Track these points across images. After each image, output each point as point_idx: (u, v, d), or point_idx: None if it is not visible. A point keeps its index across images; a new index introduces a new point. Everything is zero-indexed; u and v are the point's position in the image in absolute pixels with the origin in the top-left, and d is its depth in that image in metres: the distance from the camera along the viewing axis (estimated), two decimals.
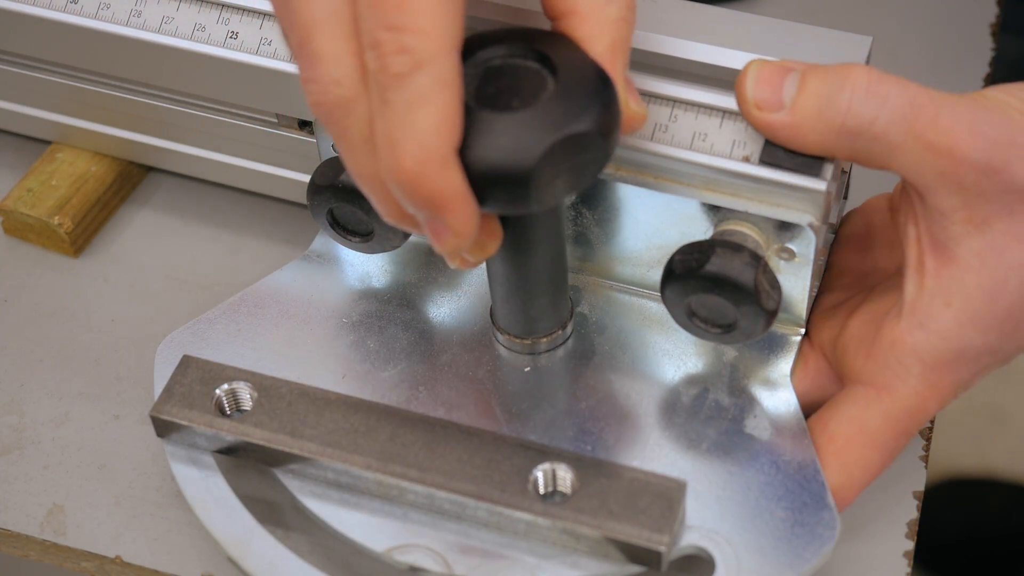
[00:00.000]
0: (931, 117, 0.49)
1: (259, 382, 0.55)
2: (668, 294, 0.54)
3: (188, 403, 0.54)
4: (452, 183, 0.45)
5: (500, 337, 0.57)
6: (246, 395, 0.55)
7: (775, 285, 0.53)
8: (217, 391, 0.55)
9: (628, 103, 0.49)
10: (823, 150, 0.51)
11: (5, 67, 0.65)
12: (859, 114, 0.49)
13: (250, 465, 0.56)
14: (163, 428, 0.55)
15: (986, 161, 0.48)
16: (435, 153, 0.44)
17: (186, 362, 0.56)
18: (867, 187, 0.65)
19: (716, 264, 0.52)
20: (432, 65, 0.44)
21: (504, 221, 0.51)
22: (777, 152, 0.52)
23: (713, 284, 0.52)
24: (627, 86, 0.49)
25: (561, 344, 0.58)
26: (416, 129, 0.44)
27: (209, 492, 0.54)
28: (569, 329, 0.58)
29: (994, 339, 0.51)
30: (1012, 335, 0.51)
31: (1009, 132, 0.49)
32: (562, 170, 0.47)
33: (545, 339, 0.57)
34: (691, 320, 0.55)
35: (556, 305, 0.56)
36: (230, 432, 0.54)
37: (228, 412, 0.55)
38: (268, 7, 0.58)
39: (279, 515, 0.56)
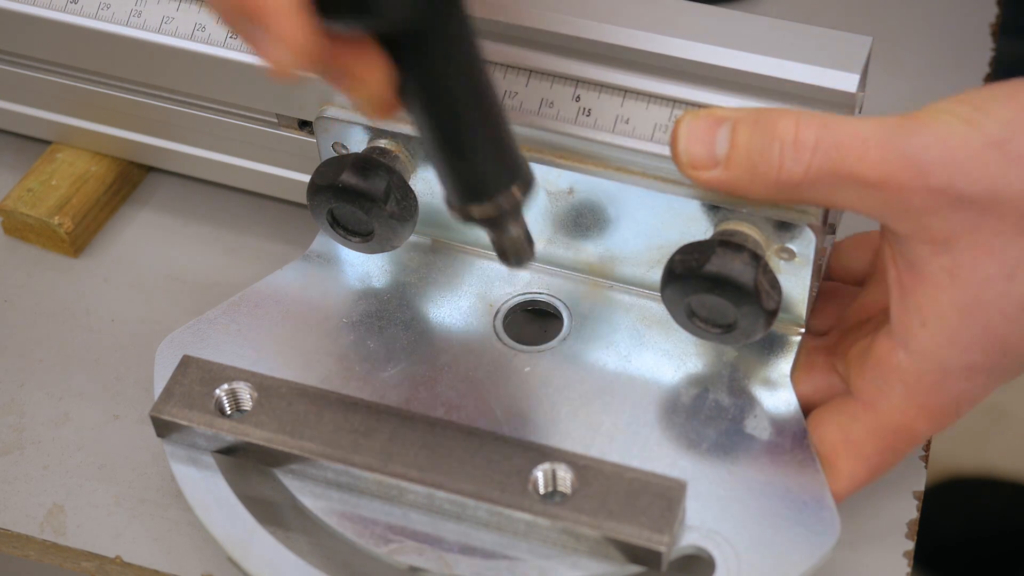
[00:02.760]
0: (858, 155, 0.48)
1: (259, 382, 0.55)
2: (668, 294, 0.54)
3: (188, 403, 0.54)
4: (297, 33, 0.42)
5: (454, 214, 0.50)
6: (246, 395, 0.55)
7: (775, 285, 0.53)
8: (217, 391, 0.55)
9: None
10: (767, 201, 0.52)
11: (5, 67, 0.65)
12: (791, 169, 0.49)
13: (250, 465, 0.56)
14: (163, 428, 0.55)
15: (925, 185, 0.48)
16: None
17: (186, 362, 0.56)
18: None
19: (716, 264, 0.52)
20: None
21: (406, 62, 0.47)
22: None
23: (713, 284, 0.52)
24: None
25: (520, 209, 0.50)
26: None
27: (209, 492, 0.54)
28: (529, 193, 0.50)
29: (978, 356, 0.50)
30: (1000, 351, 0.50)
31: (944, 151, 0.48)
32: None
33: (501, 200, 0.49)
34: (691, 320, 0.55)
35: (496, 156, 0.49)
36: (230, 432, 0.54)
37: (228, 412, 0.55)
38: None
39: (279, 515, 0.56)
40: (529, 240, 0.51)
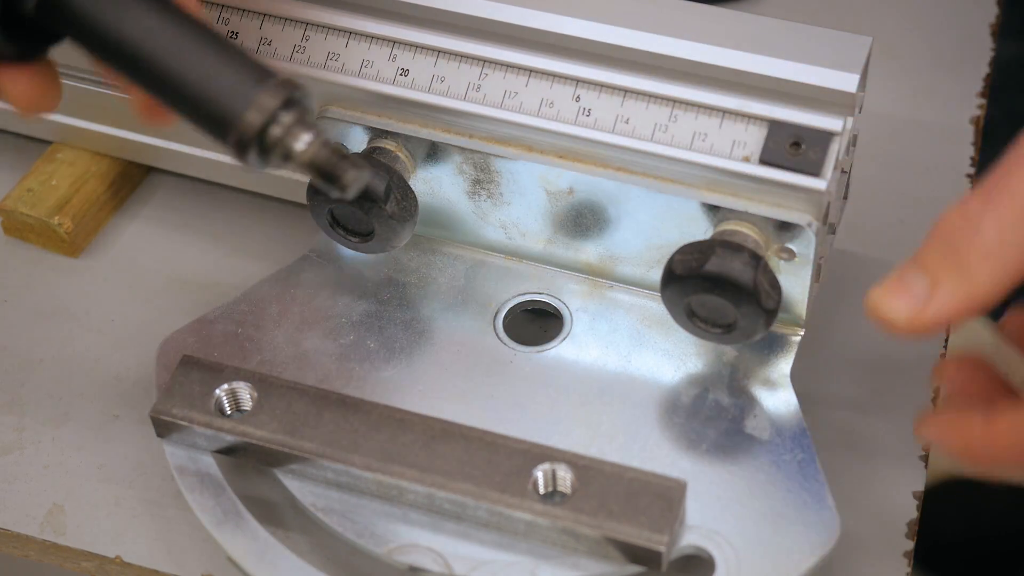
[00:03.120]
0: None
1: (259, 382, 0.55)
2: (668, 294, 0.54)
3: (188, 403, 0.54)
4: None
5: (233, 152, 0.46)
6: (246, 395, 0.55)
7: (775, 285, 0.53)
8: (217, 391, 0.55)
9: None
10: None
11: None
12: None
13: (250, 465, 0.56)
14: (163, 428, 0.55)
15: None
16: None
17: (186, 362, 0.56)
18: (867, 188, 0.65)
19: (716, 264, 0.52)
20: None
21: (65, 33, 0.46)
22: (777, 152, 0.52)
23: (713, 284, 0.52)
24: None
25: (294, 113, 0.46)
26: None
27: (209, 492, 0.54)
28: (288, 92, 0.46)
29: None
30: None
31: None
32: None
33: (256, 110, 0.45)
34: (691, 320, 0.55)
35: (224, 72, 0.45)
36: (230, 432, 0.54)
37: (228, 412, 0.55)
38: (268, 7, 0.58)
39: (279, 515, 0.56)
40: (344, 156, 0.46)
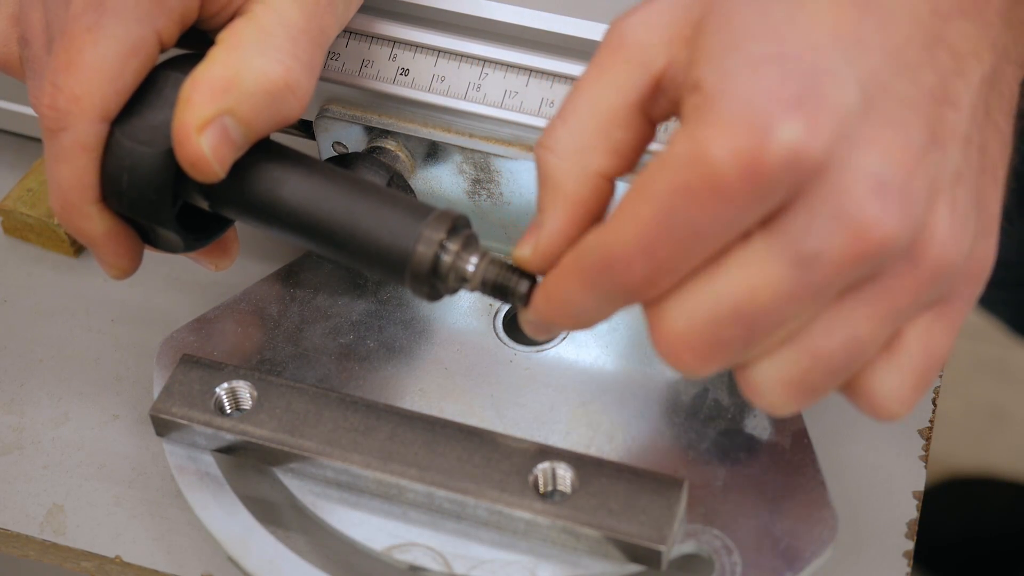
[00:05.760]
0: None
1: (259, 381, 0.55)
2: None
3: (188, 402, 0.54)
4: (92, 230, 0.51)
5: (414, 287, 0.48)
6: (246, 395, 0.55)
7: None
8: (217, 390, 0.55)
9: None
10: None
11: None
12: None
13: (250, 465, 0.56)
14: (163, 427, 0.55)
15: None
16: (72, 205, 0.50)
17: (186, 361, 0.56)
18: None
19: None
20: (74, 129, 0.49)
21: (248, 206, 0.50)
22: None
23: None
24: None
25: (460, 240, 0.48)
26: (56, 181, 0.50)
27: (209, 492, 0.54)
28: (451, 224, 0.48)
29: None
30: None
31: None
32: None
33: (424, 246, 0.47)
34: None
35: (388, 221, 0.48)
36: (230, 431, 0.54)
37: (228, 411, 0.55)
38: None
39: (279, 515, 0.56)
40: (514, 269, 0.47)
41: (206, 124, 0.48)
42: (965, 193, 0.42)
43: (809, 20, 0.40)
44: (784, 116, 0.39)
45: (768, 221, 0.40)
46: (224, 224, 0.54)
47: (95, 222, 0.51)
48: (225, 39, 0.49)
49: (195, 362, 0.55)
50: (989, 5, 0.44)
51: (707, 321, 0.42)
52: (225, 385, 0.55)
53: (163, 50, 0.51)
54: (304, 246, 0.51)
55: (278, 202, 0.49)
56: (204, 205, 0.51)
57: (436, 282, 0.48)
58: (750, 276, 0.41)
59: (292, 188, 0.49)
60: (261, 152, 0.50)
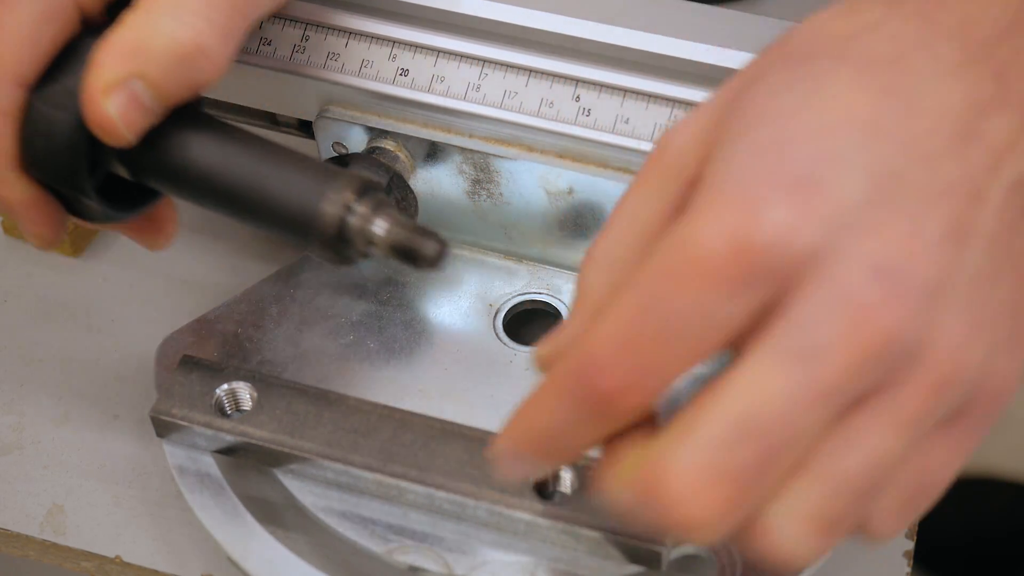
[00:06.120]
0: None
1: (259, 382, 0.55)
2: None
3: (188, 403, 0.54)
4: (12, 196, 0.50)
5: (319, 251, 0.48)
6: (246, 395, 0.55)
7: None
8: (217, 391, 0.55)
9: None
10: None
11: None
12: None
13: (250, 465, 0.56)
14: (163, 428, 0.55)
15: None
16: None
17: (186, 362, 0.56)
18: None
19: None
20: None
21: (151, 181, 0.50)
22: None
23: None
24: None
25: (369, 204, 0.47)
26: None
27: (209, 492, 0.54)
28: (360, 188, 0.47)
29: None
30: None
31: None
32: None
33: (329, 207, 0.46)
34: None
35: (294, 182, 0.48)
36: (230, 432, 0.54)
37: (228, 412, 0.55)
38: None
39: (279, 515, 0.56)
40: (423, 231, 0.46)
41: (113, 87, 0.47)
42: (986, 298, 0.38)
43: (824, 103, 0.38)
44: (776, 199, 0.36)
45: (765, 321, 0.37)
46: (150, 196, 0.53)
47: (15, 189, 0.50)
48: (141, 2, 0.48)
49: (195, 363, 0.55)
50: None
51: (717, 445, 0.37)
52: (225, 386, 0.55)
53: (87, 17, 0.50)
54: (221, 214, 0.50)
55: (191, 168, 0.48)
56: (124, 173, 0.50)
57: (344, 246, 0.47)
58: (754, 382, 0.37)
59: (205, 153, 0.48)
60: (180, 119, 0.49)
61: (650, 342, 0.37)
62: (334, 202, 0.46)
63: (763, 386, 0.36)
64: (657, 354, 0.37)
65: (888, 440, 0.37)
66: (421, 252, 0.46)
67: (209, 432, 0.54)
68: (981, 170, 0.39)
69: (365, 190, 0.47)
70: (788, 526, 0.38)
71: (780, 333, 0.37)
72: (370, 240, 0.46)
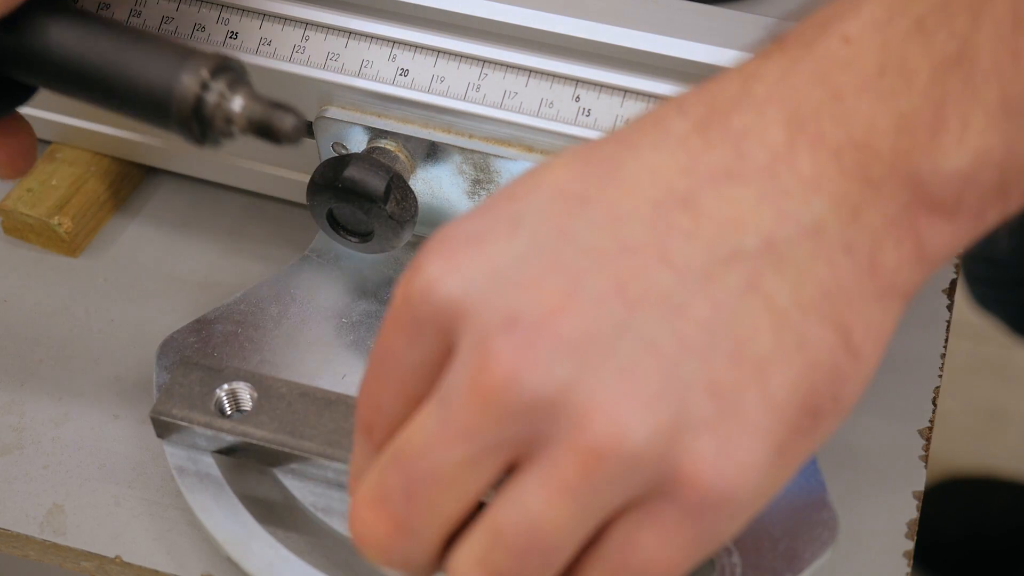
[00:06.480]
0: None
1: (259, 382, 0.55)
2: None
3: (188, 404, 0.54)
4: None
5: (179, 130, 0.48)
6: (246, 395, 0.55)
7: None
8: (217, 391, 0.55)
9: None
10: None
11: None
12: None
13: (250, 465, 0.56)
14: (163, 429, 0.55)
15: None
16: None
17: (186, 362, 0.56)
18: None
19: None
20: None
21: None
22: None
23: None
24: None
25: (224, 80, 0.47)
26: None
27: (209, 492, 0.54)
28: (216, 64, 0.47)
29: None
30: None
31: None
32: None
33: (188, 80, 0.47)
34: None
35: (150, 59, 0.48)
36: (230, 432, 0.54)
37: (228, 412, 0.55)
38: (268, 7, 0.58)
39: (279, 515, 0.56)
40: (280, 106, 0.46)
41: None
42: (667, 367, 0.36)
43: (538, 171, 0.39)
44: (435, 253, 0.38)
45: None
46: (7, 99, 0.52)
47: None
48: None
49: (195, 364, 0.55)
50: (794, 172, 0.38)
51: (375, 472, 0.40)
52: (225, 386, 0.55)
53: None
54: (83, 100, 0.50)
55: (49, 51, 0.48)
56: None
57: (203, 125, 0.47)
58: (412, 420, 0.39)
59: (63, 36, 0.48)
60: (38, 4, 0.49)
61: (376, 382, 0.41)
62: (190, 80, 0.46)
63: (415, 423, 0.39)
64: (381, 392, 0.40)
65: (544, 501, 0.37)
66: (278, 127, 0.46)
67: (209, 432, 0.54)
68: (679, 236, 0.37)
69: (221, 68, 0.47)
70: (461, 568, 0.39)
71: (438, 379, 0.39)
72: (228, 118, 0.46)
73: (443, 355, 0.39)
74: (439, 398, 0.38)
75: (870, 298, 0.38)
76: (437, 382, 0.39)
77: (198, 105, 0.47)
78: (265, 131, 0.46)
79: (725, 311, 0.37)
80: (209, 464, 0.55)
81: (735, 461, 0.36)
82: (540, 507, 0.37)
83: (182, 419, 0.54)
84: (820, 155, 0.38)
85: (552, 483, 0.37)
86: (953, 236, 0.39)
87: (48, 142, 0.68)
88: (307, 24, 0.58)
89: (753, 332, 0.37)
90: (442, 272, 0.38)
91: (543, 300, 0.37)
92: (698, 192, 0.38)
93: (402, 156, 0.58)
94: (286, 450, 0.53)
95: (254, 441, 0.53)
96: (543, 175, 0.39)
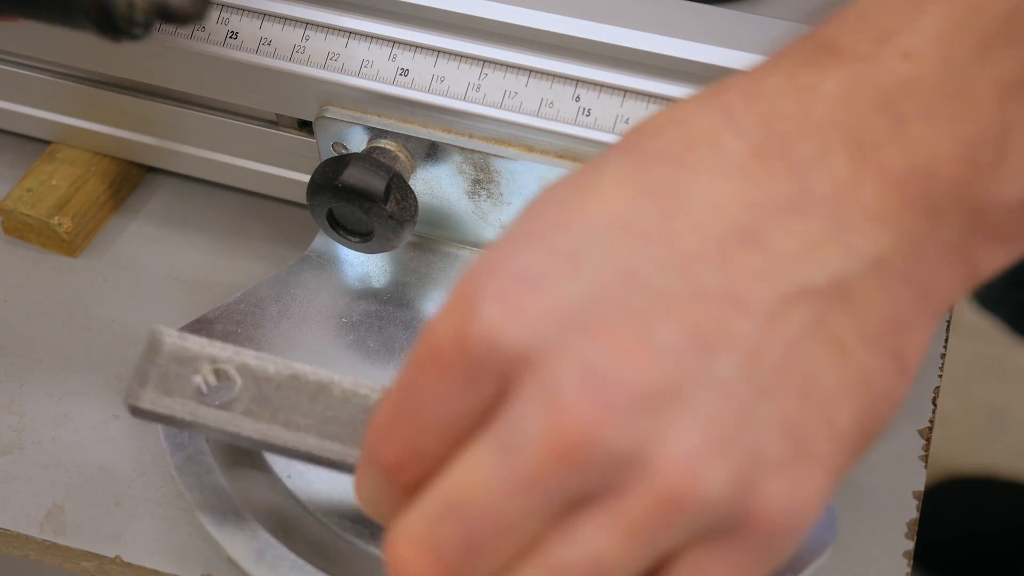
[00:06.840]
0: None
1: (243, 361, 0.50)
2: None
3: (166, 388, 0.50)
4: None
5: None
6: (233, 374, 0.52)
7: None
8: (196, 378, 0.50)
9: None
10: None
11: (5, 67, 0.65)
12: None
13: (250, 465, 0.56)
14: (140, 414, 0.52)
15: None
16: None
17: (159, 335, 0.51)
18: None
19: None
20: None
21: None
22: None
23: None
24: None
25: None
26: None
27: (209, 492, 0.54)
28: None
29: None
30: None
31: None
32: None
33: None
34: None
35: None
36: (215, 424, 0.51)
37: (205, 392, 0.50)
38: (268, 7, 0.58)
39: (279, 515, 0.55)
40: None
41: None
42: (741, 413, 0.36)
43: (580, 199, 0.38)
44: (489, 297, 0.36)
45: (492, 412, 0.37)
46: None
47: None
48: None
49: (169, 338, 0.51)
50: (858, 204, 0.37)
51: (424, 517, 0.38)
52: (206, 367, 0.51)
53: None
54: None
55: None
56: None
57: (106, 12, 0.46)
58: (463, 468, 0.37)
59: None
60: None
61: (409, 423, 0.38)
62: None
63: (471, 470, 0.37)
64: (418, 434, 0.38)
65: (606, 540, 0.36)
66: (177, 5, 0.46)
67: (191, 421, 0.51)
68: (748, 276, 0.37)
69: None
70: None
71: (497, 423, 0.37)
72: (129, 2, 0.46)
73: (495, 398, 0.37)
74: (501, 445, 0.36)
75: (923, 322, 0.38)
76: (486, 426, 0.37)
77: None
78: (166, 13, 0.46)
79: (794, 351, 0.37)
80: (209, 464, 0.55)
81: (805, 496, 0.37)
82: (606, 546, 0.36)
83: (162, 408, 0.50)
84: (884, 186, 0.37)
85: (620, 524, 0.36)
86: (1005, 258, 0.39)
87: (48, 142, 0.68)
88: (307, 24, 0.58)
89: (819, 370, 0.37)
90: (505, 317, 0.36)
91: (617, 349, 0.36)
92: (764, 227, 0.37)
93: (402, 156, 0.58)
94: (279, 443, 0.52)
95: (243, 432, 0.51)
96: (593, 200, 0.38)
